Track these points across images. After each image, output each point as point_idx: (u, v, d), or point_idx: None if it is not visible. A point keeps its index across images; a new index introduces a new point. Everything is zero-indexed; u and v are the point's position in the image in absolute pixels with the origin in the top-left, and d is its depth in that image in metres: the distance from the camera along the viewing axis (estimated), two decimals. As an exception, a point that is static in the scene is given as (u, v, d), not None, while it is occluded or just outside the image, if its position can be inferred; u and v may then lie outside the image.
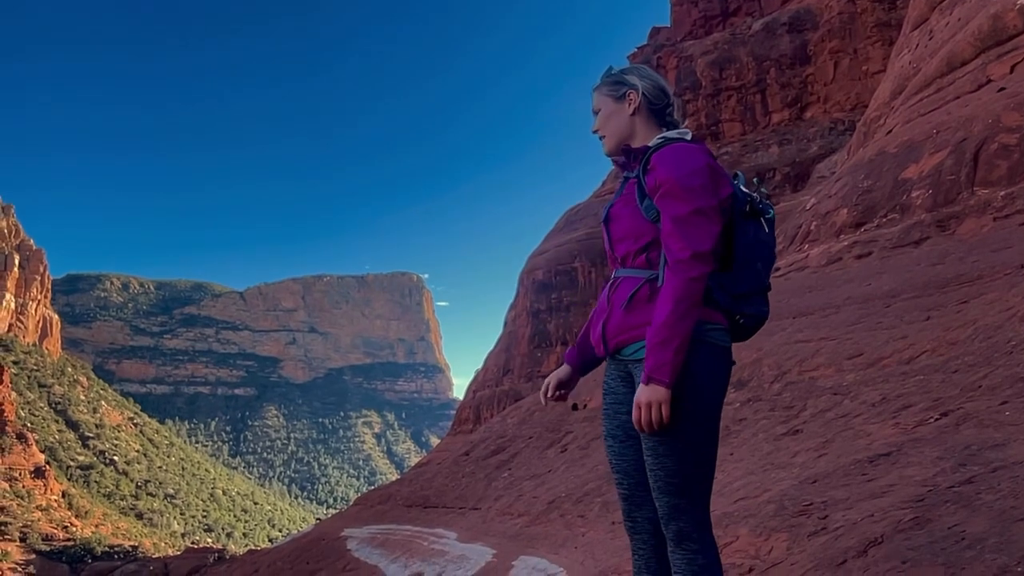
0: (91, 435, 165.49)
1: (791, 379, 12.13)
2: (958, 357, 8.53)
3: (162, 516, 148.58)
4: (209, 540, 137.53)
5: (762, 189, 2.70)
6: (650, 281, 2.53)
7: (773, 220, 2.67)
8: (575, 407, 19.92)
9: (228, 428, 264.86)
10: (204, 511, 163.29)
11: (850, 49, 51.15)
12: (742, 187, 2.66)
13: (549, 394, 2.87)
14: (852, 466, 5.68)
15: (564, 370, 2.90)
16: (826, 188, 23.44)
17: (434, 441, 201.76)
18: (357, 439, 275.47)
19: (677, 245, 2.43)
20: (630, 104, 2.73)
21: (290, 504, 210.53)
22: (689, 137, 2.69)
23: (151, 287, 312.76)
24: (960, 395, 7.09)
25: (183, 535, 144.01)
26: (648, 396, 2.36)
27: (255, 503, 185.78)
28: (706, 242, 2.42)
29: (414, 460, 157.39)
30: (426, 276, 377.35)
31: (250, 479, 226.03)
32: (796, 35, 55.90)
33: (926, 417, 6.97)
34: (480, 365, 75.94)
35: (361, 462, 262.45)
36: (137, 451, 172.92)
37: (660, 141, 2.65)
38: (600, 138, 2.80)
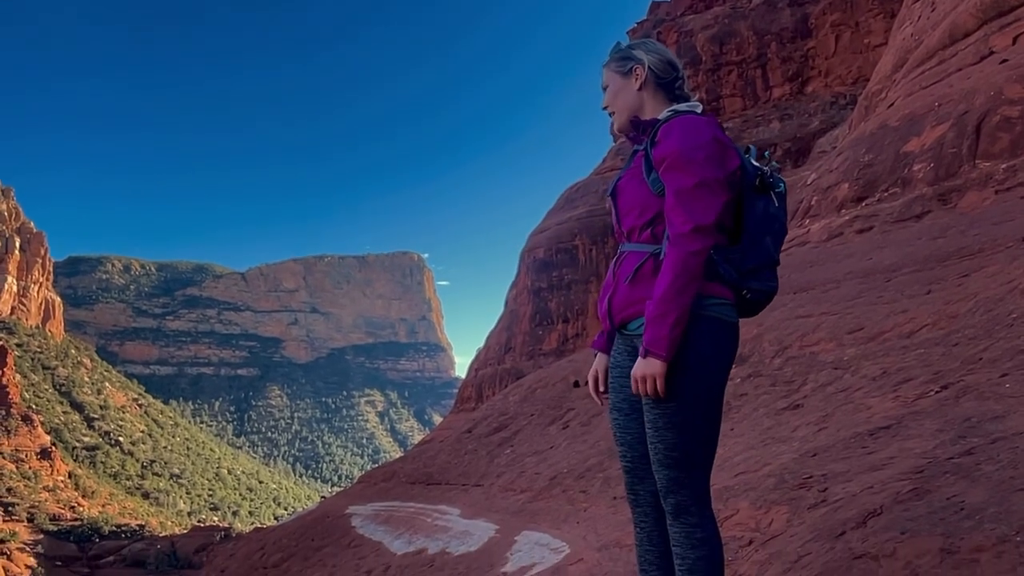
0: (96, 416, 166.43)
1: (792, 354, 12.16)
2: (959, 330, 8.54)
3: (168, 495, 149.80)
4: (215, 519, 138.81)
5: (773, 163, 2.67)
6: (654, 255, 2.52)
7: (784, 194, 2.64)
8: (576, 384, 19.99)
9: (232, 408, 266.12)
10: (210, 490, 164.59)
11: (851, 22, 50.68)
12: (752, 161, 2.63)
13: (601, 388, 2.84)
14: (852, 439, 5.71)
15: (600, 361, 2.87)
16: (827, 163, 23.34)
17: (437, 419, 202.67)
18: (360, 418, 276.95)
19: (679, 218, 2.42)
20: (636, 79, 2.71)
21: (295, 482, 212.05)
22: (699, 110, 2.68)
23: (152, 269, 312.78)
24: (960, 368, 7.10)
25: (189, 514, 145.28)
26: (644, 369, 2.36)
27: (260, 482, 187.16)
28: (709, 215, 2.40)
29: (417, 438, 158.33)
30: (426, 256, 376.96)
31: (255, 458, 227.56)
32: (797, 8, 55.38)
33: (926, 390, 6.99)
34: (481, 344, 76.14)
35: (365, 440, 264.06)
36: (142, 432, 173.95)
37: (669, 114, 2.64)
38: (610, 114, 2.80)
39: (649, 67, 2.70)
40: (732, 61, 58.25)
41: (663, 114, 2.66)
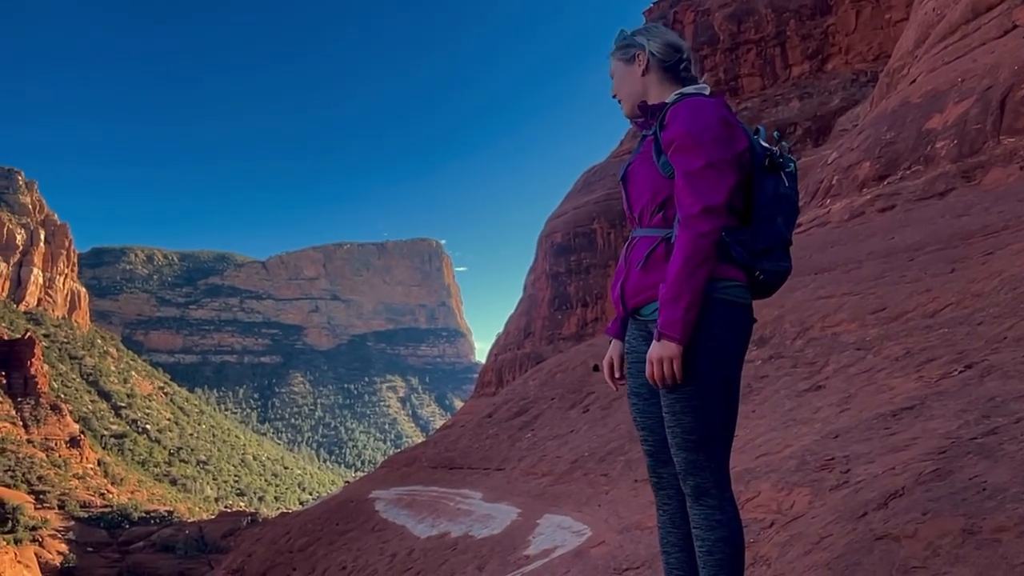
0: (123, 404, 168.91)
1: (813, 335, 12.08)
2: (983, 309, 8.44)
3: (195, 482, 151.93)
4: (242, 504, 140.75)
5: (783, 143, 2.67)
6: (666, 239, 2.51)
7: (795, 174, 2.63)
8: (596, 368, 19.98)
9: (256, 395, 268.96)
10: (236, 476, 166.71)
11: (873, -3, 49.82)
12: (762, 141, 2.62)
13: (617, 375, 2.83)
14: (875, 420, 5.68)
15: (615, 347, 2.86)
16: (848, 141, 23.05)
17: (458, 404, 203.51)
18: (382, 403, 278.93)
19: (688, 200, 2.41)
20: (639, 64, 2.72)
21: (319, 468, 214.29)
22: (707, 92, 2.67)
23: (175, 258, 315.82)
24: (985, 347, 7.03)
25: (216, 500, 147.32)
26: (659, 352, 2.37)
27: (285, 467, 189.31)
28: (718, 196, 2.40)
29: (439, 423, 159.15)
30: (444, 242, 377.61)
31: (279, 444, 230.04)
32: (817, -16, 54.50)
33: (950, 370, 6.93)
34: (501, 329, 76.27)
35: (387, 426, 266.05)
36: (168, 419, 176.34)
37: (676, 97, 2.64)
38: (618, 102, 2.81)
39: (651, 52, 2.70)
40: (750, 40, 57.52)
41: (670, 97, 2.66)
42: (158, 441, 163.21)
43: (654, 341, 2.40)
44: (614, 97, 2.82)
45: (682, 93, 2.65)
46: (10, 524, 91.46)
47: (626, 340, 2.77)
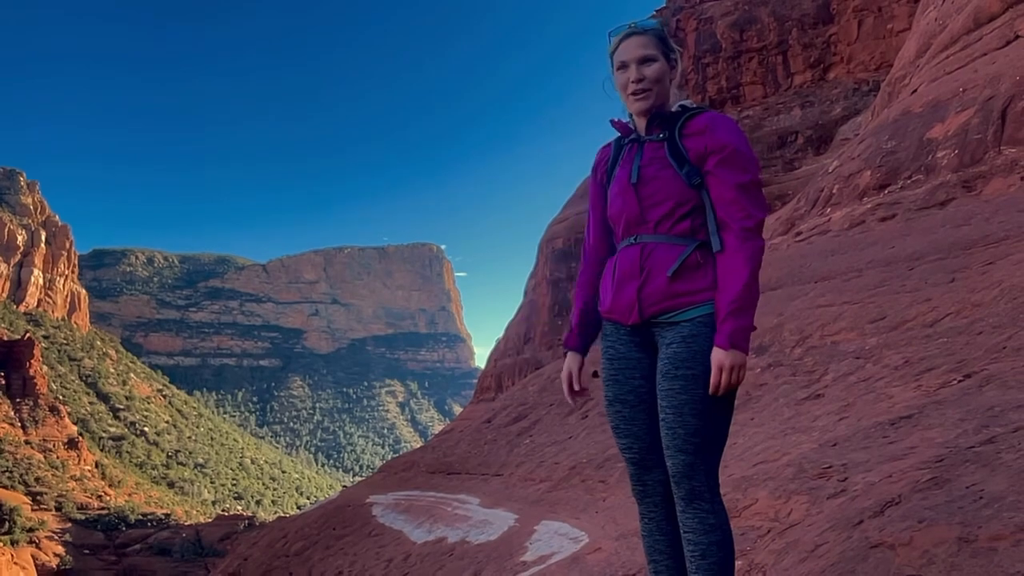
0: (121, 407, 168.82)
1: (813, 343, 12.06)
2: (983, 319, 8.43)
3: (193, 485, 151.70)
4: (239, 507, 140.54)
5: None
6: (699, 248, 2.52)
7: None
8: (595, 374, 19.96)
9: (255, 399, 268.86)
10: (234, 479, 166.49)
11: (874, 7, 49.90)
12: None
13: (576, 389, 2.82)
14: (873, 429, 5.66)
15: (574, 360, 2.84)
16: (849, 150, 23.06)
17: (457, 409, 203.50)
18: (381, 408, 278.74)
19: (742, 213, 2.45)
20: (674, 71, 2.68)
21: (317, 472, 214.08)
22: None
23: (175, 261, 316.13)
24: (984, 356, 7.01)
25: (214, 503, 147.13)
26: (732, 361, 2.37)
27: (283, 471, 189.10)
28: (765, 210, 2.49)
29: (437, 428, 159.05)
30: (444, 247, 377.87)
31: (277, 448, 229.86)
32: (819, -7, 54.60)
33: (949, 379, 6.91)
34: (501, 334, 76.24)
35: (386, 430, 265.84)
36: (167, 422, 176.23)
37: (696, 107, 2.64)
38: (640, 90, 2.61)
39: (680, 62, 2.72)
40: (752, 48, 57.59)
41: (675, 106, 2.65)
42: (156, 443, 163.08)
43: (719, 348, 2.38)
44: (640, 82, 2.60)
45: (684, 105, 2.66)
46: (7, 525, 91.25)
47: (609, 346, 2.72)
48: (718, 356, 2.37)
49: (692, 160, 2.54)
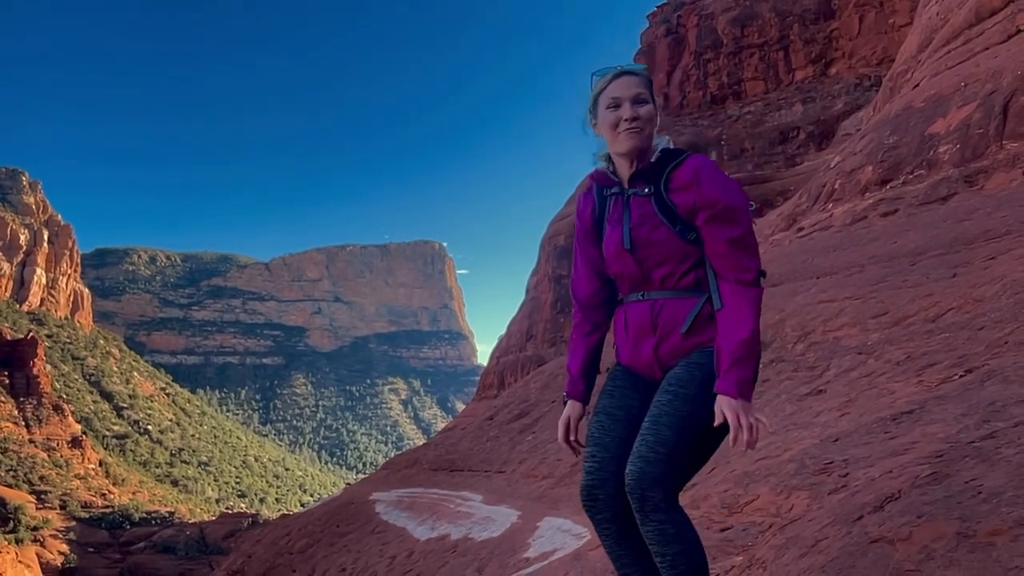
0: (125, 405, 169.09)
1: (815, 339, 12.06)
2: (984, 314, 8.42)
3: (196, 483, 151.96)
4: (243, 505, 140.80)
5: None
6: (708, 300, 2.54)
7: None
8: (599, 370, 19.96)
9: (258, 397, 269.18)
10: (237, 477, 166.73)
11: (876, 2, 49.80)
12: None
13: (572, 439, 2.82)
14: (874, 424, 5.67)
15: (575, 410, 2.86)
16: (851, 145, 23.03)
17: (460, 407, 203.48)
18: (384, 405, 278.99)
19: (738, 266, 2.46)
20: (657, 118, 2.66)
21: (320, 469, 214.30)
22: (673, 145, 2.67)
23: (178, 259, 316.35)
24: (985, 352, 7.02)
25: (217, 501, 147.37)
26: (745, 413, 2.36)
27: (286, 469, 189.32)
28: (759, 257, 2.50)
29: (440, 425, 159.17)
30: (445, 244, 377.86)
31: (281, 446, 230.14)
32: (820, -12, 54.47)
33: (951, 374, 6.92)
34: (502, 331, 76.26)
35: (389, 428, 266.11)
36: (170, 420, 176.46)
37: (676, 154, 2.60)
38: (634, 129, 2.58)
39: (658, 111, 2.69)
40: (754, 44, 57.48)
41: (667, 141, 2.64)
42: (160, 442, 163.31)
43: (729, 399, 2.37)
44: (634, 120, 2.58)
45: (676, 149, 2.62)
46: (12, 524, 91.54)
47: (618, 367, 2.78)
48: (732, 405, 2.36)
49: (683, 216, 2.52)
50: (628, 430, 2.60)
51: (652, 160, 2.60)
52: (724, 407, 2.36)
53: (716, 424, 2.37)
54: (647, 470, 2.38)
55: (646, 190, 2.59)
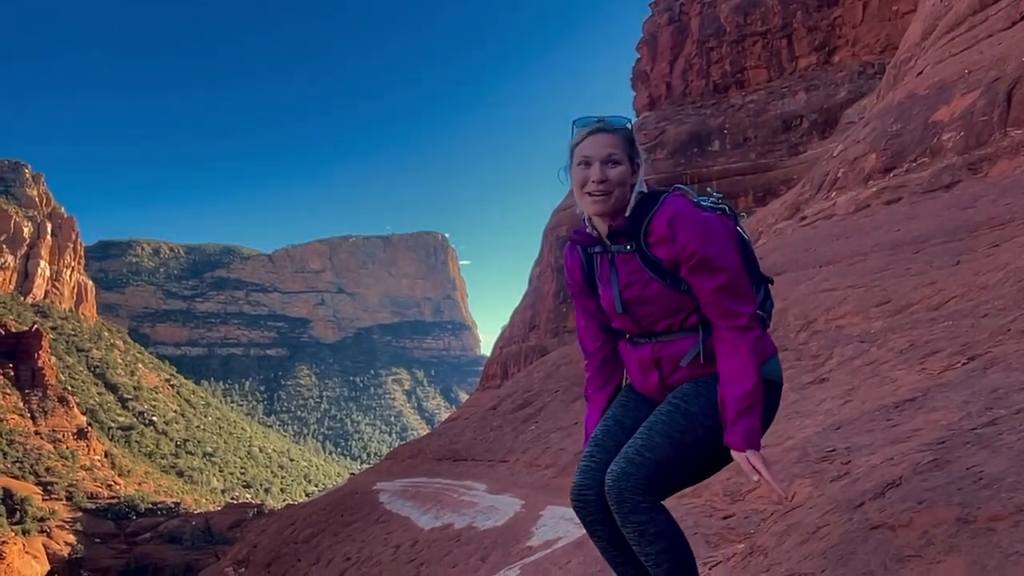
0: (130, 397, 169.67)
1: (818, 328, 12.06)
2: (988, 301, 8.41)
3: (202, 473, 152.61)
4: (248, 496, 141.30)
5: (716, 193, 2.66)
6: (711, 337, 2.50)
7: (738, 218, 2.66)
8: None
9: (262, 388, 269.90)
10: (242, 468, 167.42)
11: (880, -12, 49.52)
12: (723, 203, 2.61)
13: None
14: (877, 412, 5.67)
15: None
16: (854, 133, 22.94)
17: (463, 397, 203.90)
18: (388, 396, 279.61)
19: (729, 314, 2.41)
20: (635, 175, 2.52)
21: (324, 460, 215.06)
22: (647, 187, 2.57)
23: (181, 252, 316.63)
24: (988, 339, 7.01)
25: (223, 491, 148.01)
26: (759, 463, 2.36)
27: (291, 459, 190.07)
28: (752, 296, 2.44)
29: (444, 416, 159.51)
30: (448, 235, 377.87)
31: (285, 437, 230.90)
32: (824, -24, 54.16)
33: (953, 362, 6.92)
34: (505, 322, 76.33)
35: (392, 418, 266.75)
36: (175, 411, 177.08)
37: (652, 202, 2.50)
38: (600, 192, 2.47)
39: (642, 168, 2.55)
40: (756, 32, 57.23)
41: (637, 194, 2.52)
42: (165, 433, 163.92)
43: (741, 451, 2.38)
44: (601, 183, 2.46)
45: (649, 192, 2.53)
46: (18, 515, 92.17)
47: (632, 385, 2.78)
48: (746, 458, 2.37)
49: (669, 269, 2.47)
50: (627, 434, 2.59)
51: (627, 215, 2.51)
52: (736, 458, 2.39)
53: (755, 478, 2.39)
54: (629, 471, 2.37)
55: (628, 247, 2.52)
